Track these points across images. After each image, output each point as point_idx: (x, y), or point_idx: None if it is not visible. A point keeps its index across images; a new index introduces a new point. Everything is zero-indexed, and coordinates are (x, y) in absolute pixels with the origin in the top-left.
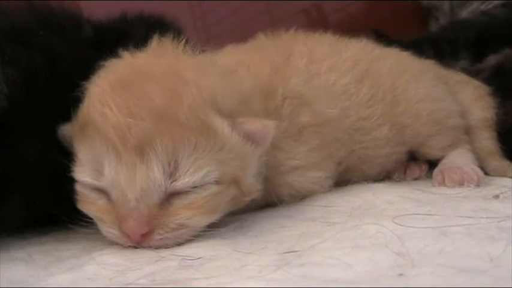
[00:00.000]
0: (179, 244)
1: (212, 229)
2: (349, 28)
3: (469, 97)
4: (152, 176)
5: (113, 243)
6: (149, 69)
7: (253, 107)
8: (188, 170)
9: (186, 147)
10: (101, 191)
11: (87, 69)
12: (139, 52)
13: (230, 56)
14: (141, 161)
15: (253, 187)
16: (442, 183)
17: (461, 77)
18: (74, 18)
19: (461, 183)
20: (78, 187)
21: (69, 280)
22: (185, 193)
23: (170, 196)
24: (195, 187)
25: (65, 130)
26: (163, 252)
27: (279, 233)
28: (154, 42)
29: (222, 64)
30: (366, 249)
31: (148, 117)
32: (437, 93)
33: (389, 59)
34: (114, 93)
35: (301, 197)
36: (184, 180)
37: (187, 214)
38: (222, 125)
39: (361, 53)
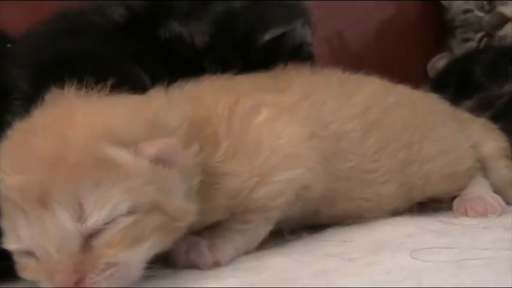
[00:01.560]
0: (124, 283)
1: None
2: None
3: (479, 131)
4: (61, 224)
5: None
6: (38, 123)
7: (177, 134)
8: (94, 208)
9: (85, 186)
10: (29, 254)
11: None
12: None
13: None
14: (47, 213)
15: (184, 210)
16: (465, 214)
17: (467, 115)
18: None
19: (484, 215)
20: (14, 256)
21: None
22: (101, 232)
23: (88, 239)
24: (108, 223)
25: None
26: None
27: (296, 270)
28: (52, 94)
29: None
30: (382, 285)
31: (40, 169)
32: (449, 144)
33: (405, 109)
34: (7, 156)
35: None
36: (93, 219)
37: (111, 252)
38: (120, 155)
39: (372, 99)
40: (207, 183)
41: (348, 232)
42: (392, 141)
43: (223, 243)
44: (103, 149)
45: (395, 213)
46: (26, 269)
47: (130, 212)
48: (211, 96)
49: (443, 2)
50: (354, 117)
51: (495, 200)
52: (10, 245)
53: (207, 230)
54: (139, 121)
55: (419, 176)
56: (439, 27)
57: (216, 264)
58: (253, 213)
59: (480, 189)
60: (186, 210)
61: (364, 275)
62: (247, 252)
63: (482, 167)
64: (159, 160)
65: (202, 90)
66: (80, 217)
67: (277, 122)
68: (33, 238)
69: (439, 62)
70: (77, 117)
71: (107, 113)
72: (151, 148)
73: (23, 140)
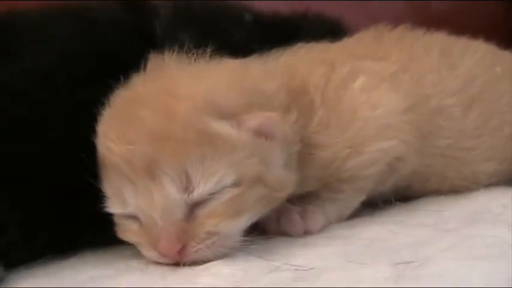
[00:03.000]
0: (223, 254)
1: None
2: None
3: None
4: (167, 194)
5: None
6: (141, 93)
7: (276, 102)
8: (201, 180)
9: (192, 159)
10: (133, 217)
11: None
12: (140, 76)
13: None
14: (154, 183)
15: (284, 180)
16: None
17: None
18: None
19: None
20: (115, 219)
21: None
22: (206, 202)
23: (193, 208)
24: (213, 194)
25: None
26: (277, 261)
27: (390, 240)
28: (152, 62)
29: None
30: (482, 260)
31: (147, 141)
32: None
33: None
34: (113, 125)
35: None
36: (199, 190)
37: (213, 222)
38: (224, 128)
39: (477, 70)
40: (301, 153)
41: (442, 201)
42: (496, 116)
43: (315, 212)
44: (207, 122)
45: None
46: (128, 231)
47: (235, 185)
48: (306, 65)
49: None
50: (455, 91)
51: None
52: (115, 209)
53: (298, 199)
54: (239, 90)
55: None
56: None
57: (308, 233)
58: (344, 182)
59: None
60: (286, 180)
61: (462, 248)
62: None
63: None
64: (260, 133)
65: (298, 59)
66: (187, 188)
67: (375, 91)
68: (139, 205)
69: None
70: (178, 89)
71: (208, 83)
72: (253, 121)
73: (129, 110)
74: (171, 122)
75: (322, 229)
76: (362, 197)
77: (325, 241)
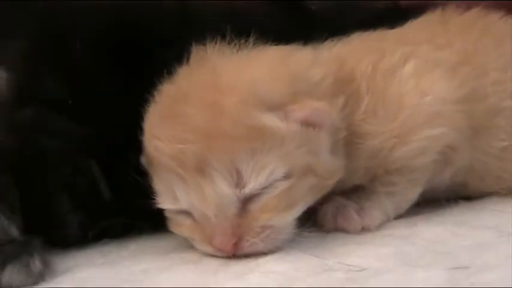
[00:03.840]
0: (277, 247)
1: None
2: None
3: None
4: (219, 190)
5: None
6: (186, 89)
7: (322, 89)
8: (252, 175)
9: (242, 154)
10: (185, 213)
11: None
12: (183, 69)
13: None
14: (205, 180)
15: (332, 167)
16: None
17: None
18: None
19: None
20: (166, 213)
21: None
22: (258, 196)
23: (245, 203)
24: (265, 188)
25: (142, 161)
26: (330, 260)
27: (450, 242)
28: (194, 53)
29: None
30: None
31: (196, 139)
32: None
33: None
34: (161, 124)
35: None
36: (251, 185)
37: (266, 216)
38: (272, 121)
39: None
40: (349, 142)
41: (507, 201)
42: None
43: (372, 207)
44: (255, 117)
45: None
46: (180, 226)
47: (286, 177)
48: (357, 54)
49: None
50: None
51: None
52: (166, 205)
53: (354, 194)
54: (283, 78)
55: None
56: None
57: (366, 229)
58: (396, 174)
59: None
60: (334, 167)
61: None
62: (398, 216)
63: None
64: (308, 123)
65: (351, 48)
66: (238, 184)
67: (426, 77)
68: (191, 202)
69: None
70: (223, 82)
71: (252, 74)
72: (301, 112)
73: (174, 107)
74: (218, 118)
75: (381, 226)
76: (418, 189)
77: (382, 240)
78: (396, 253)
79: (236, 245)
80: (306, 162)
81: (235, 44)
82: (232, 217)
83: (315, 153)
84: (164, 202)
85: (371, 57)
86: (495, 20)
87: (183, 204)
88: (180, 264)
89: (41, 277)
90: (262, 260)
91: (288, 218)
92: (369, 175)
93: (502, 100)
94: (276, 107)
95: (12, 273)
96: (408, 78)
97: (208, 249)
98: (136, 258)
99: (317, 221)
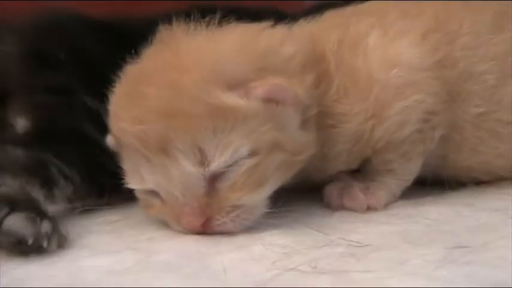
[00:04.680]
0: (247, 227)
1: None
2: None
3: None
4: (184, 170)
5: (281, 224)
6: (148, 69)
7: (291, 66)
8: (215, 153)
9: (203, 133)
10: (152, 193)
11: None
12: (148, 49)
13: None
14: (169, 160)
15: (301, 142)
16: None
17: None
18: None
19: None
20: (136, 194)
21: (234, 259)
22: (224, 174)
23: (212, 181)
24: (230, 166)
25: (108, 141)
26: (333, 235)
27: (454, 223)
28: (161, 32)
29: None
30: None
31: (157, 119)
32: None
33: None
34: (123, 104)
35: None
36: (215, 163)
37: (236, 195)
38: (233, 99)
39: None
40: (325, 125)
41: None
42: None
43: (377, 187)
44: (216, 95)
45: None
46: (151, 208)
47: (251, 154)
48: (327, 31)
49: None
50: (492, 57)
51: None
52: (134, 185)
53: (360, 174)
54: (250, 54)
55: None
56: None
57: (372, 208)
58: (385, 152)
59: None
60: (304, 142)
61: None
62: (407, 197)
63: None
64: (269, 100)
65: (321, 26)
66: (202, 162)
67: (392, 46)
68: (157, 182)
69: None
70: (185, 62)
71: (215, 53)
72: (260, 90)
73: (136, 88)
74: (178, 97)
75: (388, 205)
76: (418, 160)
77: (388, 219)
78: (399, 231)
79: (205, 224)
80: (271, 138)
81: (204, 23)
82: (200, 196)
83: (281, 128)
84: (131, 182)
85: (337, 32)
86: None
87: (150, 184)
88: (183, 235)
89: (47, 239)
90: (266, 233)
91: (258, 196)
92: (357, 159)
93: (472, 64)
94: (238, 85)
95: (17, 220)
96: (373, 50)
97: (179, 228)
98: (143, 228)
99: (324, 199)
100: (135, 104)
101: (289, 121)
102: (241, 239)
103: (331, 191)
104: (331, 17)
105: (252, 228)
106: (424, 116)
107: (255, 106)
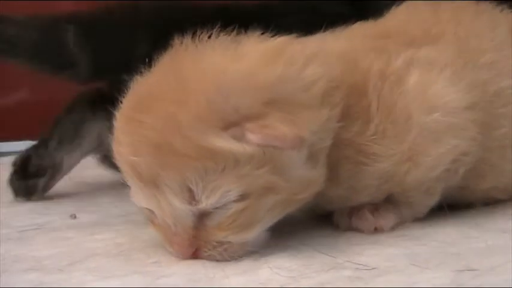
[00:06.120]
0: (241, 255)
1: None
2: None
3: None
4: (173, 204)
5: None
6: (151, 92)
7: (308, 94)
8: (203, 195)
9: (193, 173)
10: (152, 211)
11: None
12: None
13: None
14: (159, 193)
15: (305, 181)
16: None
17: None
18: None
19: None
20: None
21: (241, 283)
22: (212, 214)
23: (201, 217)
24: (218, 208)
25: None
26: (339, 258)
27: (462, 244)
28: (174, 46)
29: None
30: None
31: (149, 152)
32: None
33: None
34: (123, 129)
35: None
36: (203, 204)
37: (222, 234)
38: (225, 142)
39: None
40: (356, 161)
41: None
42: None
43: (387, 210)
44: (207, 138)
45: None
46: (151, 224)
47: (241, 198)
48: (363, 53)
49: None
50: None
51: None
52: (135, 201)
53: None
54: (257, 86)
55: None
56: None
57: (379, 230)
58: (412, 189)
59: None
60: (309, 180)
61: None
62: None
63: None
64: (266, 146)
65: (354, 45)
66: (190, 201)
67: (431, 89)
68: (151, 208)
69: None
70: (186, 90)
71: (218, 82)
72: (253, 136)
73: (137, 113)
74: (172, 133)
75: (395, 227)
76: (436, 197)
77: (395, 241)
78: (406, 254)
79: (195, 253)
80: (266, 182)
81: (224, 36)
82: (190, 229)
83: (278, 171)
84: (133, 198)
85: (378, 63)
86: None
87: (148, 206)
88: (189, 258)
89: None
90: (273, 256)
91: (247, 236)
92: (384, 194)
93: (499, 82)
94: (236, 122)
95: None
96: (413, 92)
97: (172, 251)
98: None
99: (333, 220)
100: (132, 130)
101: (289, 163)
102: (248, 262)
103: (341, 212)
104: (362, 34)
105: (258, 250)
106: (456, 157)
107: (249, 150)
